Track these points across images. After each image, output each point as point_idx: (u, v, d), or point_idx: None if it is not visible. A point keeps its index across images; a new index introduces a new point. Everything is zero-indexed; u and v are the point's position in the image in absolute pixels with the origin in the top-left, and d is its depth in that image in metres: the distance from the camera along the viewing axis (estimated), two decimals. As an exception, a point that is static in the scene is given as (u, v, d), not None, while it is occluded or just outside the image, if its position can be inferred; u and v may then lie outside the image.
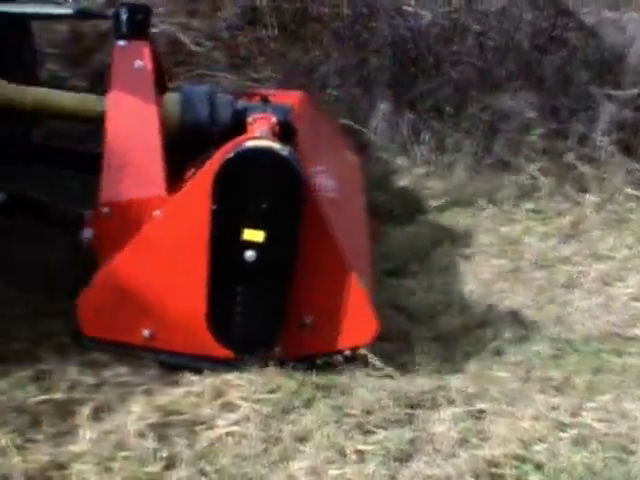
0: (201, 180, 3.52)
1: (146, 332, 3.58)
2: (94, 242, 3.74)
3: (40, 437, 3.16)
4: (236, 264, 3.48)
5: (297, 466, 3.06)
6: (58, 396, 3.35)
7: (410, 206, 5.57)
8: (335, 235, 3.60)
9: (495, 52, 6.60)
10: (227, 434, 3.22)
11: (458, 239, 5.15)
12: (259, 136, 3.62)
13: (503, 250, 5.17)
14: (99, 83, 5.69)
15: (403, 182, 5.76)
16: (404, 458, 3.16)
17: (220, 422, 3.29)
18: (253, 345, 3.58)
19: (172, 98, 4.19)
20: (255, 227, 3.46)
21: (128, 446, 3.11)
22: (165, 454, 3.09)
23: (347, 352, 3.63)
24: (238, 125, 3.94)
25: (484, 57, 6.57)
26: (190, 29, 6.04)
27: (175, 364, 3.59)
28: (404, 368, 3.69)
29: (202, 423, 3.28)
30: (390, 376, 3.61)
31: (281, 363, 3.55)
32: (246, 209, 3.46)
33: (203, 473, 3.03)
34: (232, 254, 3.48)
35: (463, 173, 5.86)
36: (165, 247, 3.56)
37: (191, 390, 3.44)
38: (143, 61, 4.12)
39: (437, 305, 4.33)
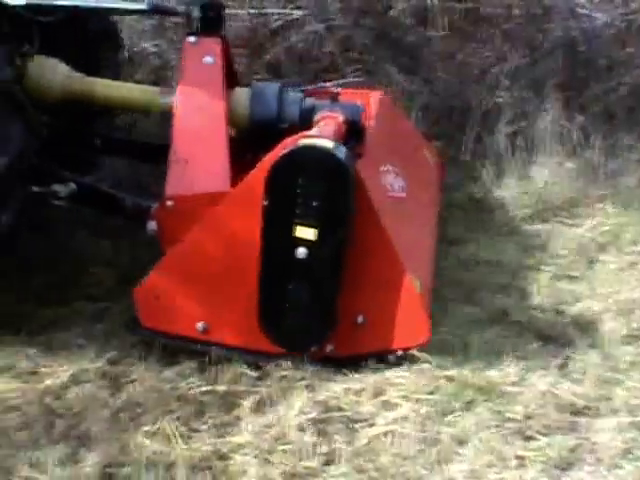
0: (255, 177, 3.51)
1: (200, 325, 3.61)
2: (158, 234, 3.81)
3: (203, 427, 3.26)
4: (287, 261, 3.47)
5: (456, 469, 3.04)
6: (222, 388, 3.44)
7: (575, 208, 5.42)
8: (389, 235, 3.56)
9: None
10: (386, 433, 3.21)
11: (625, 245, 4.97)
12: (313, 134, 3.61)
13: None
14: (274, 76, 5.83)
15: (569, 186, 5.61)
16: (565, 466, 3.08)
17: (379, 420, 3.29)
18: (304, 342, 3.57)
19: (242, 94, 4.20)
20: (307, 225, 3.43)
21: (288, 440, 3.16)
22: (324, 450, 3.12)
23: (399, 352, 3.57)
24: (306, 123, 3.94)
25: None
26: (361, 26, 6.04)
27: (225, 357, 3.60)
28: (567, 375, 3.60)
29: (361, 420, 3.30)
30: (552, 383, 3.52)
31: (439, 365, 3.53)
32: (298, 206, 3.43)
33: (361, 471, 3.04)
34: (284, 251, 3.46)
35: (631, 179, 5.67)
36: (220, 242, 3.58)
37: (351, 387, 3.45)
38: (213, 57, 4.15)
39: (602, 312, 4.19)
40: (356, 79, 5.77)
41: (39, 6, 4.13)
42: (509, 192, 5.44)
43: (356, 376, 3.52)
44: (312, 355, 3.55)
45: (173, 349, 3.67)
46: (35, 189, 3.95)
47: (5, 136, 3.64)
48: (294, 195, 3.42)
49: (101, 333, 3.82)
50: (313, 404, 3.34)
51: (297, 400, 3.36)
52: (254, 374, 3.52)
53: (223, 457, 3.10)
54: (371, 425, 3.27)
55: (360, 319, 3.56)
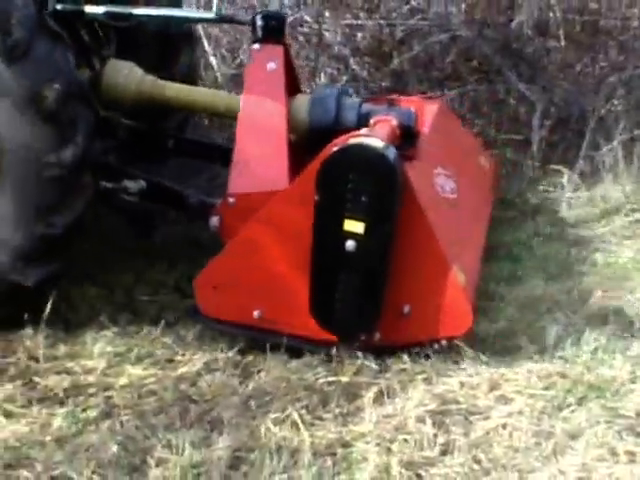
0: (308, 173, 3.62)
1: (256, 313, 3.73)
2: (220, 229, 3.94)
3: (328, 416, 3.35)
4: (337, 253, 3.57)
5: (567, 462, 3.07)
6: (345, 379, 3.53)
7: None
8: (434, 231, 3.64)
9: None
10: (501, 426, 3.26)
11: None
12: (363, 134, 3.69)
13: None
14: (398, 84, 5.92)
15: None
16: (677, 463, 3.09)
17: (494, 414, 3.34)
18: (353, 330, 3.66)
19: (303, 99, 4.32)
20: (356, 219, 3.53)
21: (407, 430, 3.23)
22: (441, 440, 3.18)
23: (443, 342, 3.65)
24: (363, 127, 4.01)
25: None
26: (484, 37, 6.09)
27: (280, 344, 3.71)
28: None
29: (477, 413, 3.35)
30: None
31: (552, 362, 3.60)
32: (347, 201, 3.53)
33: (477, 461, 3.09)
34: (334, 244, 3.57)
35: None
36: (275, 235, 3.70)
37: (468, 381, 3.51)
38: (276, 63, 4.24)
39: None
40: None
41: (116, 14, 4.30)
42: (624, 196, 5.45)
43: (472, 371, 3.57)
44: (361, 343, 3.66)
45: None
46: (107, 185, 4.16)
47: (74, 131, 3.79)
48: (343, 191, 3.53)
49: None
50: (431, 396, 3.40)
51: (416, 392, 3.43)
52: (375, 367, 3.59)
53: (345, 445, 3.17)
54: (486, 418, 3.31)
55: (406, 309, 3.66)
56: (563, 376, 3.52)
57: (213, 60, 6.50)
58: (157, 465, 3.05)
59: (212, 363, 3.67)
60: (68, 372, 3.60)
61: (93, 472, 3.00)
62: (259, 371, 3.63)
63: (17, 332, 3.77)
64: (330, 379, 3.53)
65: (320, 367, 3.62)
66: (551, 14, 6.27)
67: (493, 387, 3.48)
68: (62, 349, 3.75)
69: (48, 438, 3.19)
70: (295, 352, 3.71)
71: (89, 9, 4.24)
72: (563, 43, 6.27)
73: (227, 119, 4.37)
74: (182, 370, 3.63)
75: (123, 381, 3.55)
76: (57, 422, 3.29)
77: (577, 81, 6.23)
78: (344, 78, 5.92)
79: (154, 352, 3.74)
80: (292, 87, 4.38)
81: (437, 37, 6.04)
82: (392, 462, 3.05)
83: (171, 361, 3.71)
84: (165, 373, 3.62)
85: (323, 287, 3.65)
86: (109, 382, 3.55)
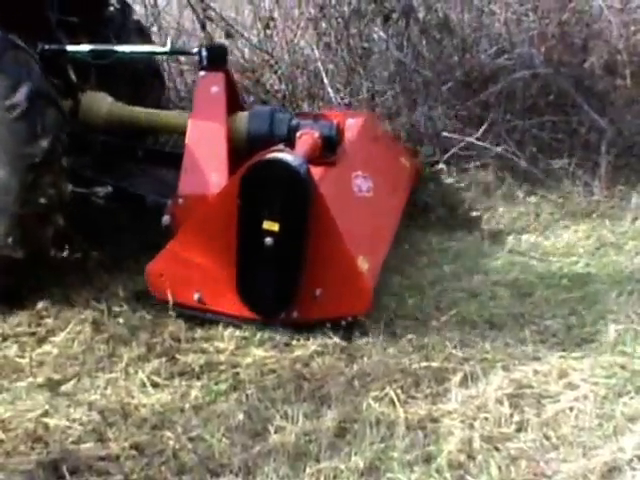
0: (233, 181, 3.80)
1: (196, 296, 3.89)
2: (171, 226, 4.06)
3: (419, 395, 3.39)
4: (258, 247, 3.72)
5: (626, 441, 3.06)
6: (435, 364, 3.57)
7: None
8: (340, 226, 3.77)
9: None
10: (568, 408, 3.27)
11: None
12: (278, 149, 3.84)
13: None
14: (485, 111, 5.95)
15: None
16: None
17: (563, 398, 3.34)
18: (274, 310, 3.83)
19: (243, 115, 4.49)
20: (272, 220, 3.70)
21: (487, 409, 3.26)
22: (516, 419, 3.21)
23: (349, 319, 3.79)
24: (292, 138, 4.19)
25: None
26: (561, 74, 6.12)
27: (216, 321, 3.89)
28: None
29: (548, 397, 3.36)
30: None
31: (613, 354, 3.62)
32: (264, 206, 3.71)
33: (547, 438, 3.11)
34: (255, 240, 3.73)
35: None
36: (210, 231, 3.84)
37: (540, 369, 3.53)
38: (218, 87, 4.40)
39: None
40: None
41: (93, 51, 4.56)
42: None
43: (544, 361, 3.59)
44: (281, 320, 3.83)
45: (393, 330, 3.88)
46: (81, 190, 4.33)
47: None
48: (261, 197, 3.71)
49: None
50: (509, 382, 3.41)
51: (495, 378, 3.45)
52: (461, 355, 3.62)
53: (434, 420, 3.21)
54: (556, 401, 3.32)
55: (318, 292, 3.81)
56: (623, 367, 3.52)
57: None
58: (276, 432, 3.13)
59: (323, 347, 3.72)
60: (204, 351, 3.71)
61: (223, 435, 3.10)
62: (362, 356, 3.66)
63: (163, 318, 3.91)
64: (422, 364, 3.56)
65: (414, 354, 3.66)
66: (618, 56, 6.28)
67: (562, 375, 3.49)
68: (199, 332, 3.86)
69: (187, 406, 3.30)
70: (392, 339, 3.77)
71: (71, 48, 4.53)
72: (629, 81, 6.26)
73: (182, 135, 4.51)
74: (297, 353, 3.69)
75: (248, 360, 3.64)
76: (194, 392, 3.40)
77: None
78: (439, 109, 5.98)
79: (274, 337, 3.81)
80: (235, 106, 4.57)
81: (520, 74, 6.07)
82: (474, 436, 3.08)
83: (288, 345, 3.77)
84: (283, 355, 3.68)
85: (248, 275, 3.82)
86: (237, 361, 3.64)
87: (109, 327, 3.88)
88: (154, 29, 6.65)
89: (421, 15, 6.32)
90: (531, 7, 6.43)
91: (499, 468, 2.94)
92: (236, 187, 3.76)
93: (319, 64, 6.28)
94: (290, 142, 4.15)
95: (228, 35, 6.44)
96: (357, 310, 3.84)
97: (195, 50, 4.67)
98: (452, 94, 6.12)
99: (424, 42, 6.32)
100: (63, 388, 3.45)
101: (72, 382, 3.49)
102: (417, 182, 5.51)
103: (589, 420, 3.20)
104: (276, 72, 6.47)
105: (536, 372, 3.51)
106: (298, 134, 4.24)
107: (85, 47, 4.61)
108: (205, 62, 4.51)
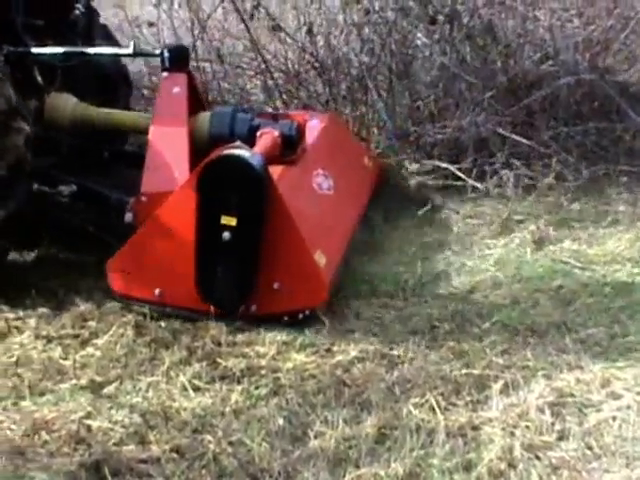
0: (192, 178, 3.85)
1: (157, 291, 3.93)
2: (134, 222, 4.10)
3: (460, 402, 3.36)
4: (216, 242, 3.77)
5: None
6: (476, 372, 3.55)
7: None
8: (297, 222, 3.84)
9: None
10: (611, 418, 3.23)
11: None
12: (234, 146, 3.85)
13: None
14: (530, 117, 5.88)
15: None
16: None
17: (605, 407, 3.30)
18: (232, 304, 3.87)
19: (204, 115, 4.53)
20: (229, 215, 3.76)
21: (529, 417, 3.22)
22: (558, 428, 3.17)
23: (306, 312, 3.87)
24: (253, 137, 4.23)
25: None
26: (605, 81, 6.07)
27: (177, 315, 3.94)
28: None
29: (590, 406, 3.32)
30: None
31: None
32: (221, 201, 3.77)
33: (589, 447, 3.07)
34: (213, 234, 3.78)
35: None
36: (170, 227, 3.91)
37: (582, 378, 3.49)
38: (180, 87, 4.46)
39: None
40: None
41: (58, 53, 4.64)
42: None
43: (587, 369, 3.55)
44: (240, 314, 3.86)
45: (434, 336, 3.87)
46: (45, 189, 4.41)
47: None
48: (218, 193, 3.77)
49: (381, 322, 4.04)
50: (550, 390, 3.38)
51: (537, 386, 3.42)
52: (502, 362, 3.60)
53: (475, 428, 3.18)
54: (598, 410, 3.28)
55: (276, 286, 3.86)
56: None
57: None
58: (315, 437, 3.13)
59: (363, 353, 3.71)
60: (244, 356, 3.72)
61: (263, 440, 3.10)
62: (402, 362, 3.65)
63: (204, 322, 3.92)
64: (463, 371, 3.55)
65: (454, 361, 3.64)
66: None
67: (604, 384, 3.45)
68: (240, 337, 3.87)
69: (227, 409, 3.31)
70: (433, 346, 3.76)
71: (36, 50, 4.59)
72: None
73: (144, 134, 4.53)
74: (338, 358, 3.68)
75: (289, 365, 3.64)
76: (235, 397, 3.41)
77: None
78: (483, 114, 5.96)
79: (315, 342, 3.81)
80: (197, 106, 4.61)
81: (564, 80, 6.02)
82: (515, 445, 3.05)
83: (329, 350, 3.76)
84: (324, 360, 3.68)
85: (206, 269, 3.86)
86: (277, 365, 3.64)
87: (151, 330, 3.91)
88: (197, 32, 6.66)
89: (465, 20, 6.27)
90: (575, 13, 6.39)
91: (540, 477, 2.91)
92: (194, 182, 3.82)
93: (363, 68, 6.25)
94: (251, 141, 4.22)
95: (274, 29, 6.45)
96: (313, 303, 3.91)
97: (158, 51, 4.77)
98: (496, 100, 6.07)
99: (468, 48, 6.28)
100: (105, 390, 3.49)
101: (114, 384, 3.53)
102: (380, 182, 5.56)
103: (632, 430, 3.15)
104: (320, 75, 6.47)
105: (578, 381, 3.47)
106: (258, 133, 4.33)
107: (50, 49, 4.70)
108: (167, 63, 4.59)
